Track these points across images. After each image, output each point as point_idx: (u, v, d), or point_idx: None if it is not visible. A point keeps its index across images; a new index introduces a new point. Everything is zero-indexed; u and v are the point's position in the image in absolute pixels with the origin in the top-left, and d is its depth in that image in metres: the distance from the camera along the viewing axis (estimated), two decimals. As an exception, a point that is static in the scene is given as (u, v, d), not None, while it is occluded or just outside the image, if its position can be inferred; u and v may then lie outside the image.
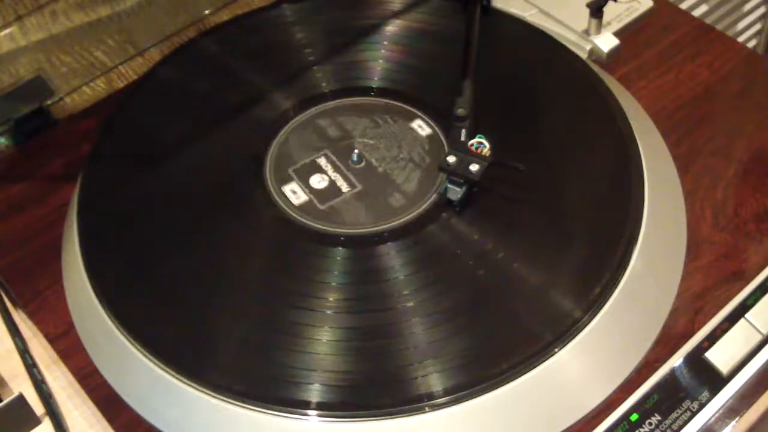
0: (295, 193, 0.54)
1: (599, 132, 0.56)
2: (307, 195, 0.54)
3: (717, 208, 0.54)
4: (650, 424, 0.45)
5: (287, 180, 0.55)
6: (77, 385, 0.49)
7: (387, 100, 0.60)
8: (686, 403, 0.46)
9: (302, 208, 0.53)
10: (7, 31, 0.60)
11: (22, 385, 0.51)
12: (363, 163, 0.56)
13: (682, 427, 0.45)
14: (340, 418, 0.44)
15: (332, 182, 0.55)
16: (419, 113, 0.58)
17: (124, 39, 0.66)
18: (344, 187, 0.54)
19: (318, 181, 0.55)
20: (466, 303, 0.48)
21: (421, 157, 0.56)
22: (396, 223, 0.52)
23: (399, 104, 0.59)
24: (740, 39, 1.04)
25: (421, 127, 0.58)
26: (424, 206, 0.53)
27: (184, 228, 0.53)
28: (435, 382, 0.45)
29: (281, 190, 0.54)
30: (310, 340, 0.47)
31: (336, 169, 0.56)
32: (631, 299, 0.48)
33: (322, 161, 0.56)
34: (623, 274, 0.48)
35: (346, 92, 0.60)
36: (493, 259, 0.50)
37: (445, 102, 0.56)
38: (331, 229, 0.52)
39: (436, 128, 0.57)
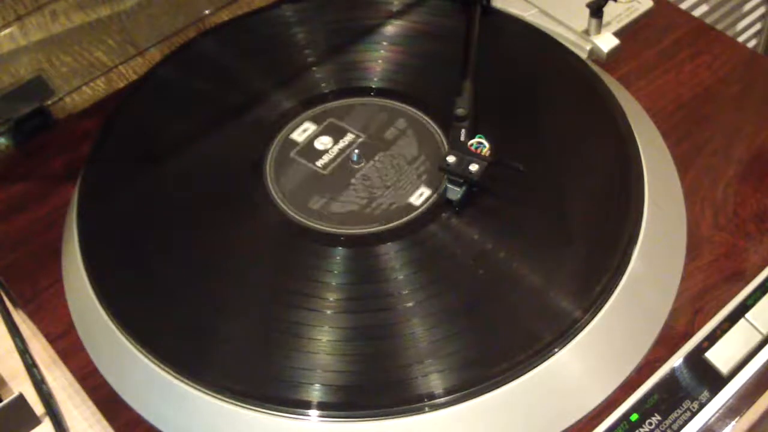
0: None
1: (599, 132, 0.56)
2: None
3: (717, 208, 0.54)
4: (650, 424, 0.45)
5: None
6: (77, 385, 0.49)
7: (387, 100, 0.59)
8: (686, 403, 0.46)
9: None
10: (7, 31, 0.60)
11: (22, 385, 0.51)
12: (363, 163, 0.56)
13: (682, 427, 0.45)
14: (340, 418, 0.44)
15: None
16: (419, 113, 0.58)
17: (124, 39, 0.66)
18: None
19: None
20: (465, 303, 0.48)
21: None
22: (396, 223, 0.52)
23: (399, 104, 0.59)
24: (740, 39, 1.04)
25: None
26: (424, 206, 0.53)
27: (184, 228, 0.53)
28: (435, 382, 0.45)
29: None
30: (310, 340, 0.47)
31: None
32: (631, 299, 0.48)
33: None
34: (623, 274, 0.48)
35: (346, 92, 0.60)
36: (493, 259, 0.50)
37: (445, 102, 0.56)
38: (331, 229, 0.52)
39: (435, 128, 0.57)
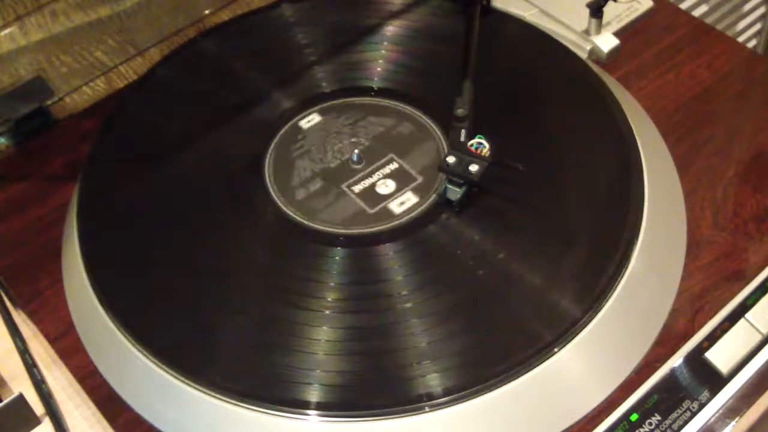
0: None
1: (599, 132, 0.56)
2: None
3: (717, 208, 0.54)
4: (650, 424, 0.45)
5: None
6: (77, 385, 0.49)
7: (387, 100, 0.59)
8: (686, 403, 0.46)
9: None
10: (7, 31, 0.60)
11: (22, 385, 0.51)
12: (363, 163, 0.56)
13: (682, 427, 0.45)
14: (340, 418, 0.44)
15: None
16: (419, 113, 0.58)
17: (124, 39, 0.66)
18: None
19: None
20: (465, 303, 0.48)
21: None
22: (395, 223, 0.52)
23: (399, 104, 0.59)
24: (740, 39, 1.04)
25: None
26: (424, 206, 0.53)
27: (184, 228, 0.53)
28: (434, 382, 0.44)
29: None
30: (309, 340, 0.47)
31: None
32: (631, 299, 0.48)
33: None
34: (623, 274, 0.48)
35: (346, 92, 0.60)
36: (493, 259, 0.50)
37: (445, 102, 0.56)
38: (330, 229, 0.52)
39: (435, 128, 0.57)
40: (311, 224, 0.52)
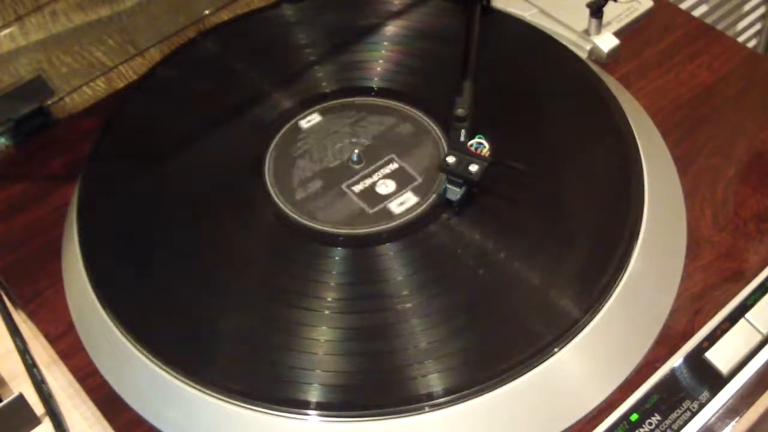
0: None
1: (599, 132, 0.56)
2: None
3: (717, 208, 0.54)
4: (650, 424, 0.45)
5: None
6: (77, 385, 0.49)
7: (387, 100, 0.59)
8: (686, 403, 0.46)
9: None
10: (7, 31, 0.60)
11: (22, 385, 0.51)
12: (363, 163, 0.56)
13: (682, 427, 0.45)
14: (340, 418, 0.44)
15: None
16: (419, 113, 0.58)
17: (124, 39, 0.66)
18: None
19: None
20: (465, 303, 0.48)
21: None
22: (395, 223, 0.52)
23: (399, 104, 0.59)
24: (740, 39, 1.04)
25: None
26: (424, 206, 0.53)
27: (184, 228, 0.53)
28: (435, 382, 0.45)
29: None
30: (310, 340, 0.47)
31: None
32: (631, 299, 0.48)
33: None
34: (623, 274, 0.48)
35: (346, 92, 0.60)
36: (493, 259, 0.50)
37: (445, 102, 0.56)
38: (330, 229, 0.52)
39: (435, 128, 0.57)
40: (311, 224, 0.52)
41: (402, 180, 0.54)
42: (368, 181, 0.55)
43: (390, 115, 0.59)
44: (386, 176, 0.55)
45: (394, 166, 0.55)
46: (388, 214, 0.53)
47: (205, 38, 0.65)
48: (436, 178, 0.54)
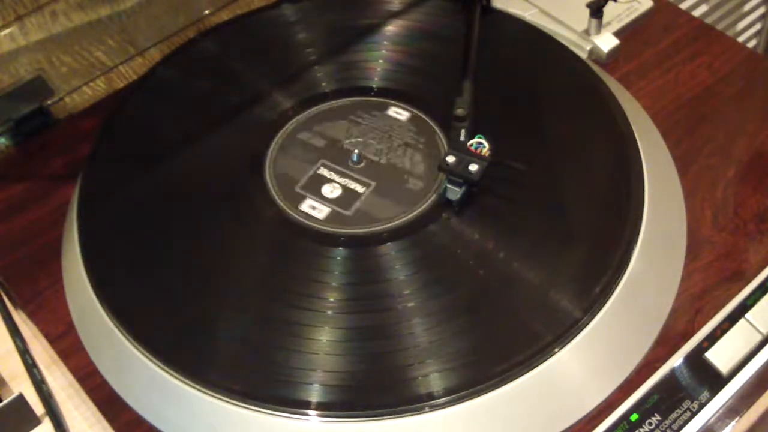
0: (315, 209, 0.53)
1: (599, 132, 0.56)
2: (328, 207, 0.53)
3: (717, 208, 0.54)
4: (650, 424, 0.45)
5: (300, 198, 0.54)
6: (77, 385, 0.49)
7: (387, 100, 0.60)
8: (686, 403, 0.46)
9: (311, 216, 0.53)
10: (7, 31, 0.60)
11: (22, 385, 0.51)
12: (363, 163, 0.56)
13: (682, 427, 0.45)
14: (340, 418, 0.44)
15: (333, 182, 0.55)
16: (419, 113, 0.58)
17: (124, 39, 0.66)
18: (345, 188, 0.54)
19: (330, 191, 0.54)
20: (466, 303, 0.48)
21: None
22: (396, 223, 0.52)
23: (399, 104, 0.59)
24: (740, 39, 1.04)
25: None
26: (424, 206, 0.53)
27: (184, 228, 0.53)
28: (435, 382, 0.45)
29: (298, 208, 0.53)
30: (310, 340, 0.47)
31: (337, 169, 0.55)
32: (631, 299, 0.48)
33: (323, 161, 0.56)
34: (623, 274, 0.48)
35: (346, 92, 0.60)
36: (493, 259, 0.50)
37: (445, 102, 0.56)
38: (330, 229, 0.52)
39: (435, 128, 0.57)
40: (312, 224, 0.52)
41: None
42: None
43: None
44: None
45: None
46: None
47: (205, 38, 0.65)
48: (436, 178, 0.54)
